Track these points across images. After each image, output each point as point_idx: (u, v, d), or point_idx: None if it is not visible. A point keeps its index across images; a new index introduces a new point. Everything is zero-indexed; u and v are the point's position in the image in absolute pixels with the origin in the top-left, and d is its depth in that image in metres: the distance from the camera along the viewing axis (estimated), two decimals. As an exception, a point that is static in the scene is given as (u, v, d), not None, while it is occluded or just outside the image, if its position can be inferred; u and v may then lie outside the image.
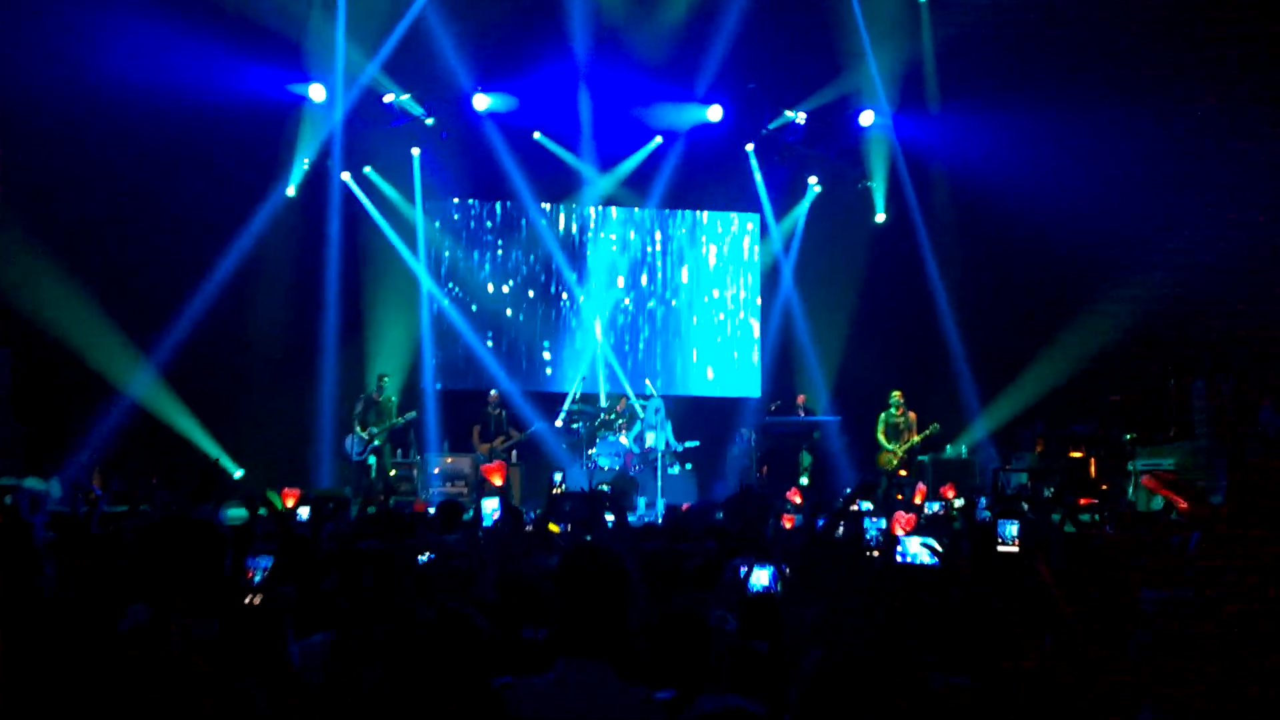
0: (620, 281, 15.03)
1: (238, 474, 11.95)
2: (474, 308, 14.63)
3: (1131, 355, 12.55)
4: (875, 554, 4.29)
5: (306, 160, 13.15)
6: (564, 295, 14.88)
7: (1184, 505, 4.56)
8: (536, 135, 13.97)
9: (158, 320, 11.85)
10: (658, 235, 15.26)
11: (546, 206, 14.88)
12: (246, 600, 2.86)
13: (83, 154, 10.91)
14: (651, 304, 15.09)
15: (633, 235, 15.20)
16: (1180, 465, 10.95)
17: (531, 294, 14.82)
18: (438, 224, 14.65)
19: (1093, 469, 11.93)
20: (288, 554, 3.78)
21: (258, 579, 3.49)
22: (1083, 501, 10.03)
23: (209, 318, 12.16)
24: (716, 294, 15.29)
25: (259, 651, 2.39)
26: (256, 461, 12.14)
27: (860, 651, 2.12)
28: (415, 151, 13.94)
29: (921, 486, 7.88)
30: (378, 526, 4.94)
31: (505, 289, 14.77)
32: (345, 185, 13.63)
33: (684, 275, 15.25)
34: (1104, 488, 11.66)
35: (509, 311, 14.71)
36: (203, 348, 12.13)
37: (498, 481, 4.61)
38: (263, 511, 5.33)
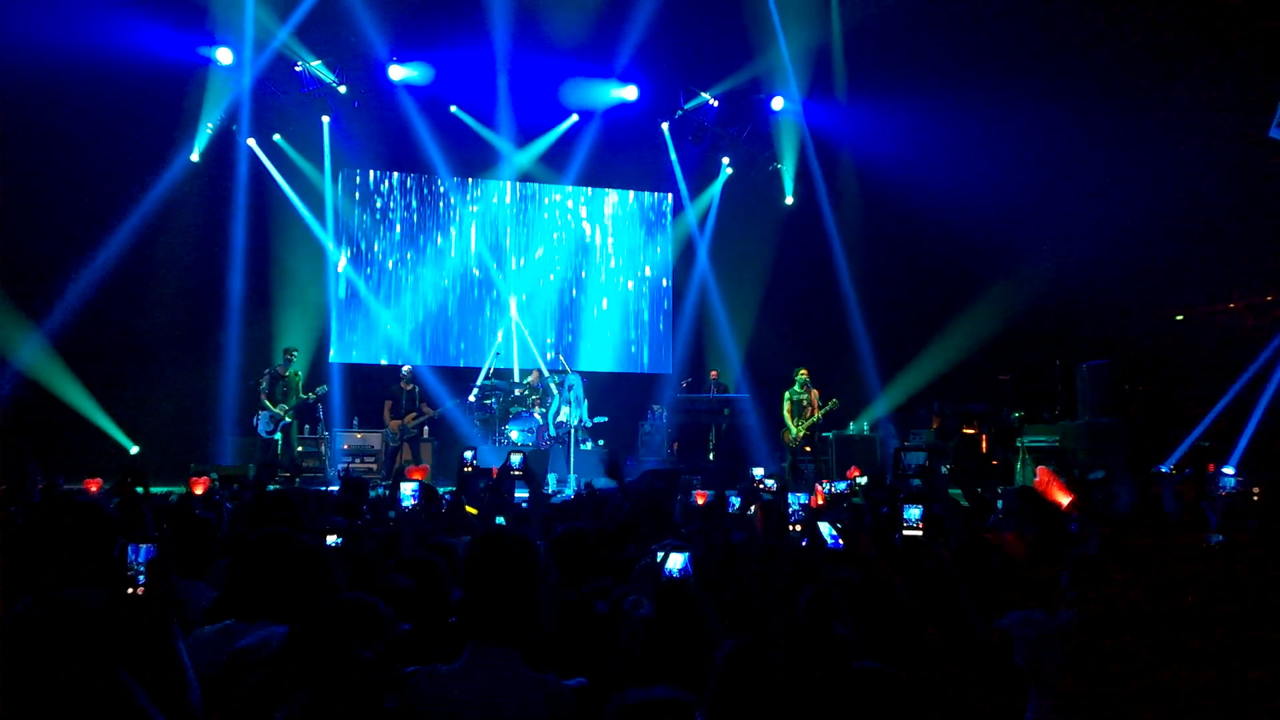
0: (535, 257, 15.01)
1: (133, 450, 11.60)
2: (385, 281, 14.44)
3: (1021, 338, 13.19)
4: (797, 528, 4.28)
5: (210, 125, 12.71)
6: (477, 270, 14.79)
7: (1065, 503, 4.89)
8: (453, 109, 13.81)
9: (50, 287, 11.32)
10: (572, 212, 15.27)
11: (461, 180, 14.75)
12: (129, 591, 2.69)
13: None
14: (566, 280, 15.12)
15: (548, 212, 15.18)
16: (1064, 441, 11.66)
17: (445, 268, 14.68)
18: (352, 195, 14.37)
19: (984, 445, 12.53)
20: (184, 541, 3.57)
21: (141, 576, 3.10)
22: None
23: (106, 285, 11.66)
24: (630, 271, 15.41)
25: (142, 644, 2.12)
26: (154, 438, 11.80)
27: (775, 637, 2.14)
28: (325, 119, 13.61)
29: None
30: (270, 508, 4.76)
31: (418, 263, 14.61)
32: (252, 152, 13.23)
33: (598, 252, 15.32)
34: (994, 463, 12.29)
35: (421, 286, 14.55)
36: (99, 317, 11.63)
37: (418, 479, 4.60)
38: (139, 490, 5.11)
